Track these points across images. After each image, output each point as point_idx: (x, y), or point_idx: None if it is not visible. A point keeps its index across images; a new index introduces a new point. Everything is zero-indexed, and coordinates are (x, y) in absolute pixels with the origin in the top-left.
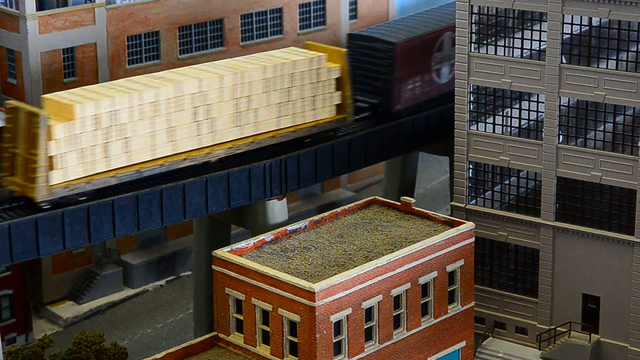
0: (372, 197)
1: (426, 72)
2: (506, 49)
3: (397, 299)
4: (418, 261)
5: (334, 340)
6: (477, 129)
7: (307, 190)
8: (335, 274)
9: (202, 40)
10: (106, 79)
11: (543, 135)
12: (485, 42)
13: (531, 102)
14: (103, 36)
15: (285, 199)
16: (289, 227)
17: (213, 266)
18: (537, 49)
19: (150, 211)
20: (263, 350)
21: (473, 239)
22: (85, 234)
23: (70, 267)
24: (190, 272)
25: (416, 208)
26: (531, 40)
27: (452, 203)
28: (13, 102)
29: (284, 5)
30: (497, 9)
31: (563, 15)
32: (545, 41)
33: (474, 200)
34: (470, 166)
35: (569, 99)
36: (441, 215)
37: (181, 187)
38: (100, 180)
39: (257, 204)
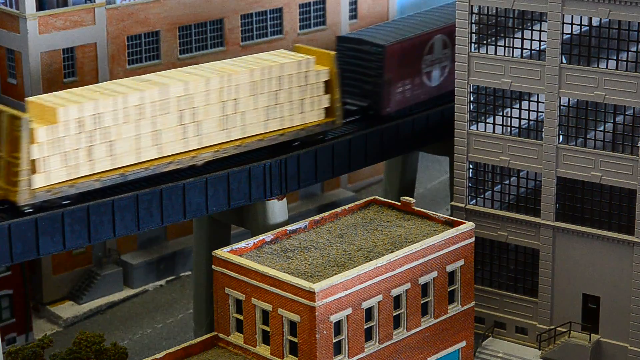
0: (372, 197)
1: (416, 74)
2: (506, 49)
3: (397, 299)
4: (418, 261)
5: (334, 340)
6: (477, 129)
7: (307, 190)
8: (335, 274)
9: (202, 40)
10: (106, 79)
11: (543, 135)
12: (485, 42)
13: (531, 102)
14: (103, 36)
15: (285, 199)
16: (289, 227)
17: (213, 266)
18: (537, 49)
19: (150, 211)
20: (263, 350)
21: (473, 239)
22: (85, 234)
23: (70, 267)
24: (190, 272)
25: (416, 208)
26: (531, 40)
27: (452, 203)
28: None
29: (284, 5)
30: (497, 9)
31: (563, 15)
32: (545, 41)
33: (474, 200)
34: (470, 166)
35: (569, 99)
36: (441, 215)
37: (181, 187)
38: (84, 184)
39: (257, 204)
